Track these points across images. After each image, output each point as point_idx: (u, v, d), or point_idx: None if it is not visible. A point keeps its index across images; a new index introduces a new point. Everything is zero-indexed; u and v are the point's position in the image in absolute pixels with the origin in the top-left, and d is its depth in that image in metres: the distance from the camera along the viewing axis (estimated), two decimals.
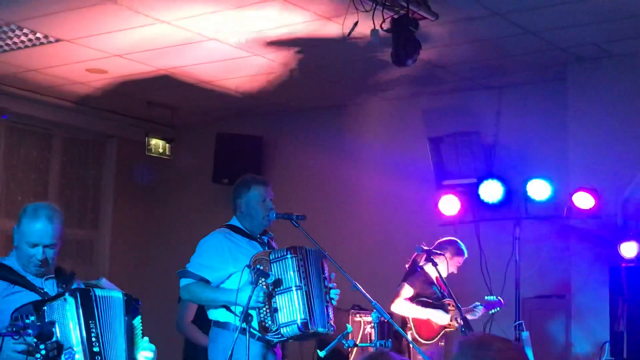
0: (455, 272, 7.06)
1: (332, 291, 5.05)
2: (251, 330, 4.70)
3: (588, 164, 7.80)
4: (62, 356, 3.75)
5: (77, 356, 3.76)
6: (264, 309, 4.82)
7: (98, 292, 3.95)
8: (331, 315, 5.02)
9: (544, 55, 7.77)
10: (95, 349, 3.81)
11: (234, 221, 5.22)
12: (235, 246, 5.07)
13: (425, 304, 6.92)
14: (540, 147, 8.36)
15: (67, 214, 9.97)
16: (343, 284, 5.09)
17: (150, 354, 4.09)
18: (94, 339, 3.80)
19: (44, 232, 4.04)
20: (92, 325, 3.83)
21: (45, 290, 4.05)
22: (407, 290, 6.95)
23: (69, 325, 3.79)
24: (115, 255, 10.48)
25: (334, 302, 5.07)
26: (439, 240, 7.10)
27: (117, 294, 4.04)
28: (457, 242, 7.11)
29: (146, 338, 4.11)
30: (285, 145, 10.03)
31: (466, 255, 7.11)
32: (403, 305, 6.89)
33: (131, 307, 4.06)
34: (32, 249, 4.04)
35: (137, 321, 4.09)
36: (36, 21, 7.11)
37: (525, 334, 7.00)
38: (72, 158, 10.27)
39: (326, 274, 5.07)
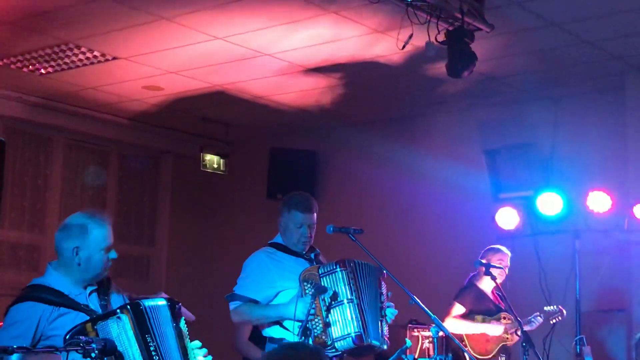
0: None
1: (388, 310, 4.96)
2: None
3: None
4: None
5: None
6: (317, 321, 4.76)
7: (146, 303, 3.87)
8: (385, 331, 4.92)
9: (601, 65, 7.65)
10: None
11: (279, 238, 5.18)
12: (280, 264, 5.02)
13: (475, 320, 6.84)
14: (599, 158, 8.21)
15: (124, 230, 10.16)
16: (401, 298, 5.03)
17: (209, 357, 4.05)
18: (153, 353, 3.75)
19: (110, 233, 4.05)
20: (149, 339, 3.76)
21: (90, 306, 3.95)
22: (458, 309, 6.88)
23: (126, 342, 3.72)
24: (171, 271, 10.54)
25: (389, 320, 4.99)
26: (484, 250, 6.98)
27: (162, 301, 3.94)
28: (500, 248, 6.99)
29: (197, 342, 4.07)
30: (340, 159, 10.00)
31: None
32: (453, 323, 6.81)
33: (175, 312, 3.98)
34: (107, 253, 4.00)
35: (183, 324, 3.99)
36: (93, 40, 7.23)
37: (586, 349, 6.88)
38: (128, 174, 10.39)
39: (383, 290, 4.99)
